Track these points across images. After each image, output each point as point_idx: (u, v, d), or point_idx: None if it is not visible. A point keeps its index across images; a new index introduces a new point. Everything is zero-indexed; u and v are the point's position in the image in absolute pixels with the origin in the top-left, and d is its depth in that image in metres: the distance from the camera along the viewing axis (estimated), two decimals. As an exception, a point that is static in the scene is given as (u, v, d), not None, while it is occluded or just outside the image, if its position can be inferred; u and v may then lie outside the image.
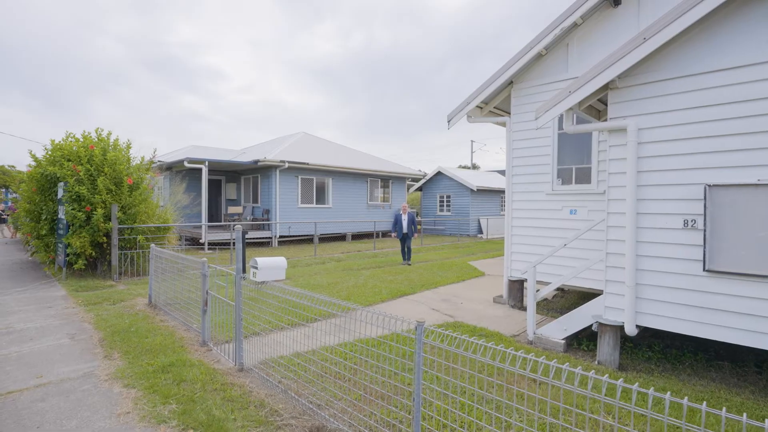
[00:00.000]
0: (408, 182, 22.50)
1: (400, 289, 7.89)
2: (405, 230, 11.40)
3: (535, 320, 5.05)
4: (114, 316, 5.62)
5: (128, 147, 9.34)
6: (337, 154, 19.36)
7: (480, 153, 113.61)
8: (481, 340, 2.44)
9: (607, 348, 4.23)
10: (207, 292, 4.57)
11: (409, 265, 11.10)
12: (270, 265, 3.59)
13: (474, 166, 45.71)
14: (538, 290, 5.27)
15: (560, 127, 6.10)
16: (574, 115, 4.52)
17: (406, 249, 11.53)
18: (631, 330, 4.07)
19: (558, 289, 7.92)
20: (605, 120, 5.07)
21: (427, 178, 22.99)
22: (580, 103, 4.41)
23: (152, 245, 6.27)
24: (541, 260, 5.10)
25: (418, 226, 9.46)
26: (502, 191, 23.64)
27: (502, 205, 23.70)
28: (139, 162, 9.47)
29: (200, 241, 13.58)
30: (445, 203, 22.56)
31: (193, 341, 4.75)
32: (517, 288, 6.64)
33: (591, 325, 4.61)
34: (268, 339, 4.61)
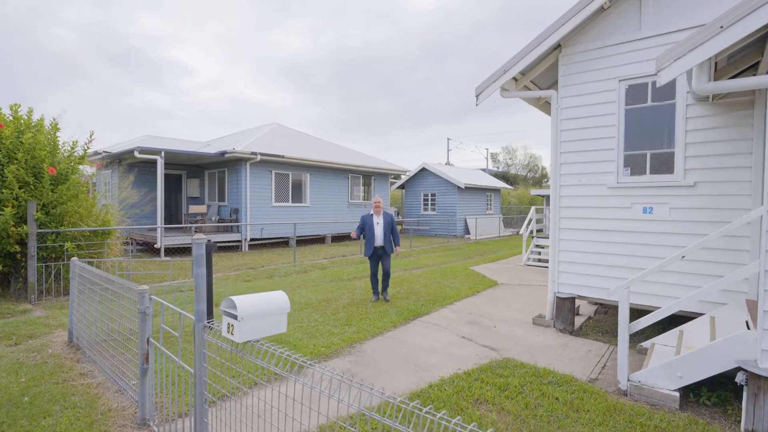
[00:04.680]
0: (390, 179, 20.97)
1: (409, 306, 6.33)
2: (380, 242, 6.55)
3: (615, 358, 3.62)
4: (6, 370, 3.72)
5: (54, 128, 7.25)
6: (314, 147, 17.54)
7: (455, 151, 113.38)
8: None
9: (769, 413, 2.84)
10: (148, 341, 2.83)
11: (387, 301, 6.60)
12: (258, 310, 1.92)
13: (448, 165, 44.70)
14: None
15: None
16: (710, 70, 3.10)
17: (381, 274, 6.70)
18: (815, 388, 2.70)
19: (596, 303, 6.62)
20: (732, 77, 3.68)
21: (410, 175, 21.55)
22: (719, 54, 3.00)
23: (74, 259, 4.38)
24: (642, 276, 3.66)
25: (397, 249, 6.68)
26: (489, 189, 22.60)
27: (488, 204, 22.62)
28: (70, 148, 7.39)
29: (155, 245, 11.47)
30: (429, 202, 21.18)
31: (127, 417, 2.99)
32: (567, 307, 5.24)
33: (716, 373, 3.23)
34: (250, 402, 2.92)
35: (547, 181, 56.95)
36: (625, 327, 3.61)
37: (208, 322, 2.22)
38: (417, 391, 3.50)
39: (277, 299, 2.03)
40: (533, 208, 12.03)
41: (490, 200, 22.87)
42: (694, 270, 4.27)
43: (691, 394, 3.50)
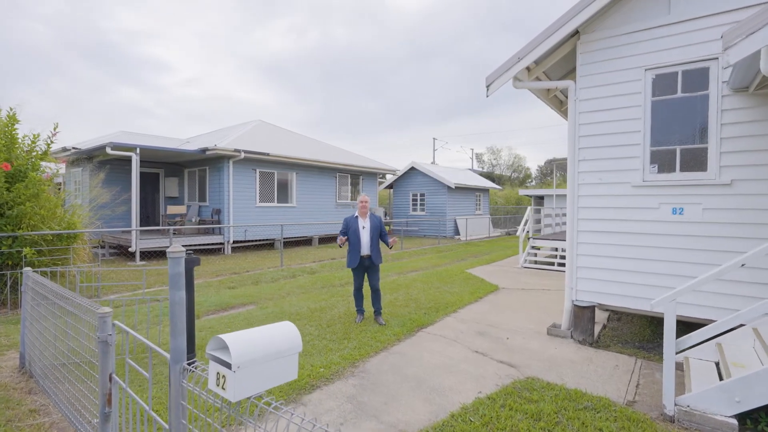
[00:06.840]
0: (378, 179, 20.44)
1: (411, 316, 5.82)
2: (366, 251, 5.39)
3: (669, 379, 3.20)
4: (-64, 408, 3.04)
5: (12, 119, 6.46)
6: (300, 145, 16.87)
7: (440, 151, 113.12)
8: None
9: None
10: (111, 378, 2.23)
11: (382, 324, 5.36)
12: (259, 353, 1.38)
13: (434, 165, 44.34)
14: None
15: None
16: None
17: (372, 289, 5.52)
18: None
19: (607, 309, 6.25)
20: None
21: (399, 174, 21.07)
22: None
23: (26, 270, 3.71)
24: (695, 286, 3.23)
25: (392, 239, 5.47)
26: (478, 189, 22.34)
27: (477, 204, 22.34)
28: (30, 142, 6.61)
29: (130, 249, 10.65)
30: (419, 202, 20.74)
31: (85, 472, 2.38)
32: (587, 317, 4.82)
33: None
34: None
35: (531, 181, 57.43)
36: (671, 344, 3.18)
37: (189, 363, 1.65)
38: (438, 423, 2.99)
39: (284, 334, 1.48)
40: (529, 208, 11.71)
41: (479, 200, 22.60)
42: (742, 278, 3.88)
43: (748, 420, 3.09)
